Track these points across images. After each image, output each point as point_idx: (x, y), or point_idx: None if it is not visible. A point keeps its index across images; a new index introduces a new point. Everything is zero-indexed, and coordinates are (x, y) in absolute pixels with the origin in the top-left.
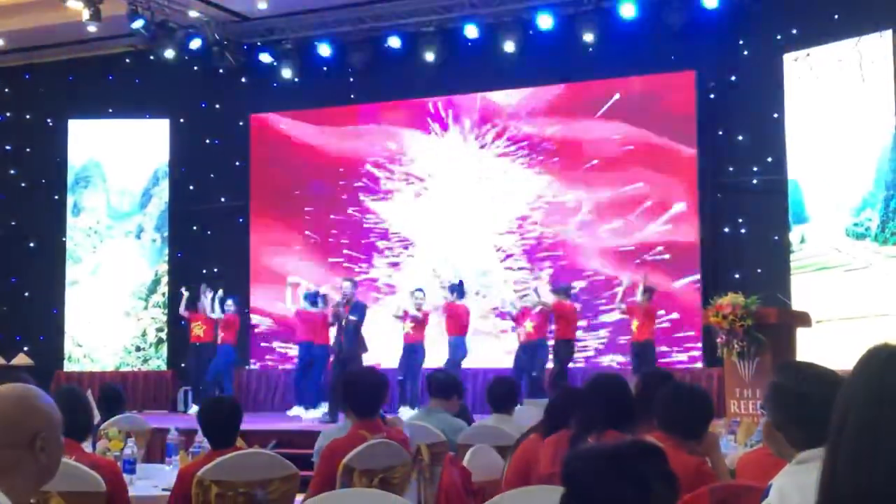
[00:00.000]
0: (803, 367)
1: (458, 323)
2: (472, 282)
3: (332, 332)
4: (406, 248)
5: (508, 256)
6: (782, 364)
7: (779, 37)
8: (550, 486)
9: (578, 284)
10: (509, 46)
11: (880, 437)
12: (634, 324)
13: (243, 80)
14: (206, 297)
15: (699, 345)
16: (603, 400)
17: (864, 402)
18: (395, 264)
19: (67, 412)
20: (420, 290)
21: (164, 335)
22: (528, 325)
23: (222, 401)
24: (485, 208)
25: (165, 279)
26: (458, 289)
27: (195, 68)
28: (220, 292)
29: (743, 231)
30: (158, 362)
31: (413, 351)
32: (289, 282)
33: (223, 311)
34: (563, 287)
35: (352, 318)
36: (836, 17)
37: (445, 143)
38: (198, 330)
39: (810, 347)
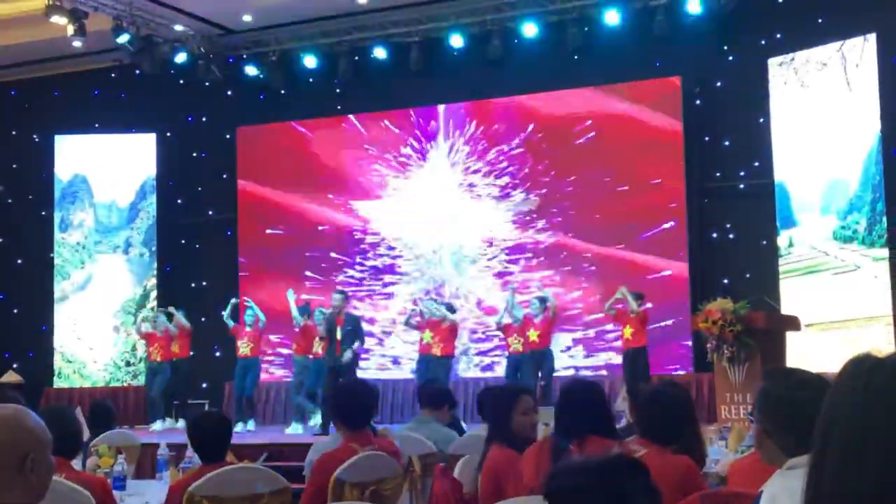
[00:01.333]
0: (792, 374)
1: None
2: (464, 290)
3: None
4: (395, 257)
5: (501, 267)
6: (771, 370)
7: (763, 42)
8: (535, 497)
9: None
10: (494, 55)
11: (867, 446)
12: (628, 330)
13: (229, 92)
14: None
15: (689, 350)
16: (578, 407)
17: (850, 413)
18: (385, 272)
19: (55, 430)
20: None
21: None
22: (534, 334)
23: (211, 415)
24: (471, 218)
25: (154, 293)
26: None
27: (181, 82)
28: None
29: (731, 236)
30: None
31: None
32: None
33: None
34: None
35: (347, 328)
36: (820, 21)
37: (432, 152)
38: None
39: (800, 351)
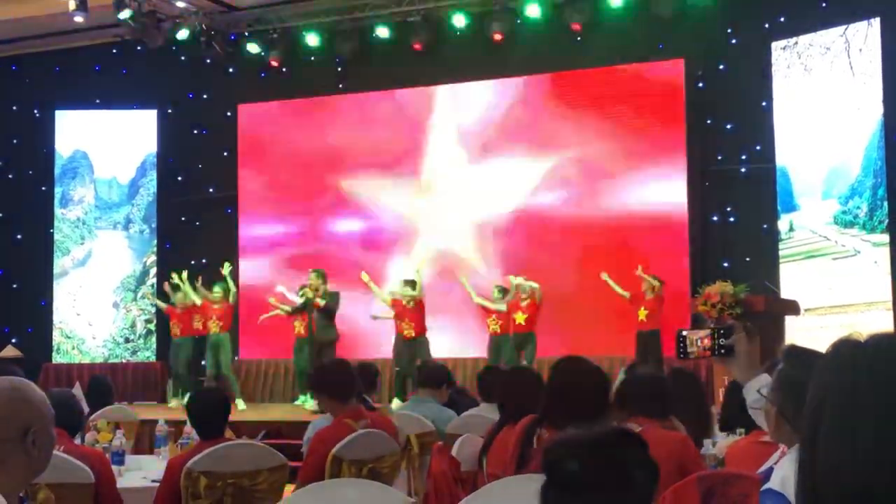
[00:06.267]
0: (813, 356)
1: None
2: (463, 272)
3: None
4: (395, 238)
5: (499, 247)
6: (790, 351)
7: (767, 25)
8: (536, 476)
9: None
10: (497, 35)
11: (858, 424)
12: (643, 312)
13: (231, 69)
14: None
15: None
16: (571, 394)
17: (839, 396)
18: (385, 254)
19: (59, 415)
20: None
21: (152, 326)
22: (520, 317)
23: (210, 392)
24: (473, 198)
25: (154, 270)
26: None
27: (182, 58)
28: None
29: (731, 219)
30: (147, 353)
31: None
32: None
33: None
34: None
35: (320, 302)
36: (824, 5)
37: (433, 132)
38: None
39: (799, 335)
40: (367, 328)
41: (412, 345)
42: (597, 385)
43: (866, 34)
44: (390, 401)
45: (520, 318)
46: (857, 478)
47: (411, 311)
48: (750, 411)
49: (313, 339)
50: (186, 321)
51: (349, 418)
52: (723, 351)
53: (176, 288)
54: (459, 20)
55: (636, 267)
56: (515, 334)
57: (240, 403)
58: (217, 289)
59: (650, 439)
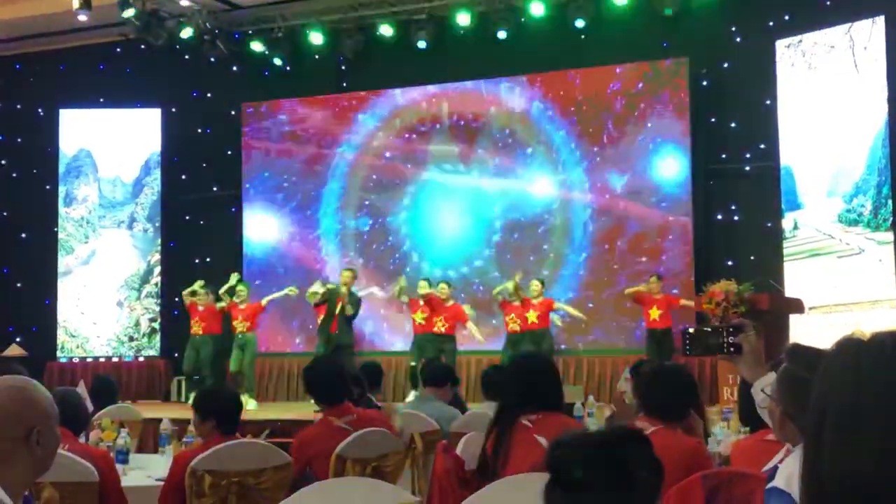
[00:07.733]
0: (816, 354)
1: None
2: (466, 271)
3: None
4: (400, 238)
5: (502, 245)
6: (794, 350)
7: (771, 23)
8: (539, 475)
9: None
10: (501, 34)
11: (862, 424)
12: (655, 311)
13: (234, 68)
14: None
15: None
16: (522, 383)
17: (843, 394)
18: (389, 255)
19: (65, 414)
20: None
21: (157, 325)
22: (532, 315)
23: (221, 391)
24: (476, 197)
25: (158, 269)
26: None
27: (186, 57)
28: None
29: (735, 218)
30: (151, 352)
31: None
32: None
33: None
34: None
35: (349, 310)
36: (829, 3)
37: (439, 132)
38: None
39: (803, 334)
40: (378, 325)
41: (441, 341)
42: (545, 370)
43: (871, 32)
44: (403, 398)
45: (532, 315)
46: (861, 476)
47: (446, 308)
48: (759, 410)
49: (331, 338)
50: (209, 320)
51: (333, 416)
52: (731, 349)
53: (194, 294)
54: (463, 19)
55: (640, 263)
56: (531, 332)
57: (251, 402)
58: (242, 287)
59: (660, 444)
